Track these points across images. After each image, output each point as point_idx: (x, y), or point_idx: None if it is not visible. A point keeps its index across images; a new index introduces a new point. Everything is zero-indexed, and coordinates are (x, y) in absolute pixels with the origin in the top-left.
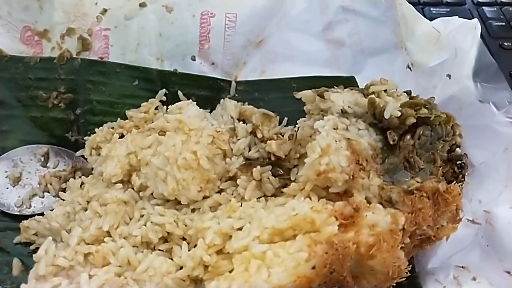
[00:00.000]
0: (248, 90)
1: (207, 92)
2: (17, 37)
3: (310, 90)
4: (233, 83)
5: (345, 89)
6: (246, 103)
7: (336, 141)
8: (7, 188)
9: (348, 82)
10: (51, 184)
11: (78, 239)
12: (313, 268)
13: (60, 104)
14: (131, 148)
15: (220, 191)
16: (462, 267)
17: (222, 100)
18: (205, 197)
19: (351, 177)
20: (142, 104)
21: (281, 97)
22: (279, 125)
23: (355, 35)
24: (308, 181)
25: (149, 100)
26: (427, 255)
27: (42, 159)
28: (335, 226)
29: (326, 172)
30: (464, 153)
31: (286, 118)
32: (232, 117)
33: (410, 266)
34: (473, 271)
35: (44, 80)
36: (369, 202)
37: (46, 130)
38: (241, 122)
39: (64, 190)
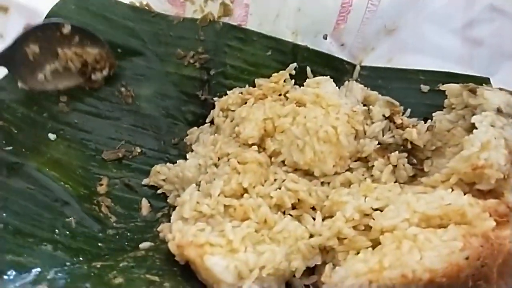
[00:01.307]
0: (371, 76)
1: (331, 72)
2: None
3: (457, 84)
4: (358, 67)
5: (495, 88)
6: (369, 89)
7: (495, 138)
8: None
9: (482, 84)
10: (71, 61)
11: (219, 190)
12: (467, 258)
13: (195, 63)
14: (269, 114)
15: (350, 170)
16: None
17: (346, 82)
18: (335, 173)
19: (505, 176)
20: (273, 74)
21: (405, 88)
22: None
23: (497, 37)
24: (454, 173)
25: (280, 71)
26: None
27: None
28: (491, 221)
29: (483, 167)
30: None
31: (409, 110)
32: (358, 100)
33: None
34: None
35: (184, 39)
36: None
37: (178, 85)
38: (377, 105)
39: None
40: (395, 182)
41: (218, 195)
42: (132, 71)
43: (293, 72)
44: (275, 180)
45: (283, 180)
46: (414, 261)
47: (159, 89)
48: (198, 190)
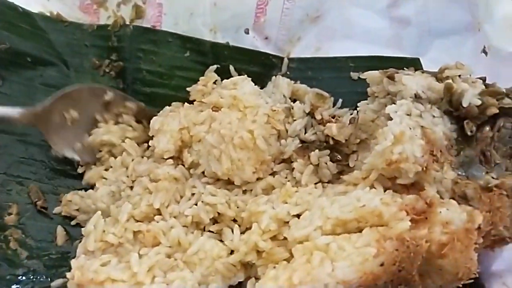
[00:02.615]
0: (300, 68)
1: (258, 68)
2: (76, 4)
3: (377, 71)
4: (285, 60)
5: (416, 72)
6: (298, 82)
7: (410, 128)
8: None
9: (413, 65)
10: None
11: (128, 215)
12: (381, 265)
13: (111, 72)
14: (184, 123)
15: (273, 174)
16: None
17: (273, 77)
18: (258, 179)
19: (424, 168)
20: (201, 78)
21: (336, 77)
22: (333, 107)
23: (423, 14)
24: (374, 169)
25: (207, 74)
26: (490, 254)
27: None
28: (407, 221)
29: (398, 162)
30: None
31: (340, 100)
32: (284, 96)
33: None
34: None
35: (98, 48)
36: (440, 197)
37: None
38: (298, 102)
39: None
40: (319, 182)
41: (128, 220)
42: (43, 82)
43: (214, 74)
44: (193, 195)
45: (202, 194)
46: (326, 274)
47: None
48: (108, 216)
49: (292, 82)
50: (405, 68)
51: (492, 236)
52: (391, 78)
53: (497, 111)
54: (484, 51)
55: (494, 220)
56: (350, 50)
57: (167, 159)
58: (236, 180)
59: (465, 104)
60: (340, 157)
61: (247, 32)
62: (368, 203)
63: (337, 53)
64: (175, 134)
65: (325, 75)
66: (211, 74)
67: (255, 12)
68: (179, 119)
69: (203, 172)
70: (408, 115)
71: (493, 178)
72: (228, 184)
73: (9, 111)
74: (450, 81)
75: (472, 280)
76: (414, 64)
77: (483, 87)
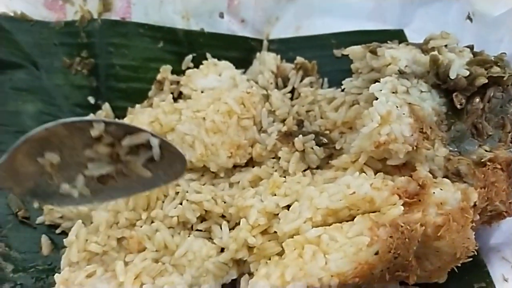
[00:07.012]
0: (282, 49)
1: (237, 53)
2: (40, 2)
3: (359, 46)
4: (265, 42)
5: (400, 44)
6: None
7: (397, 106)
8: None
9: (397, 37)
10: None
11: (107, 223)
12: (376, 253)
13: (83, 70)
14: (154, 115)
15: (260, 164)
16: None
17: (258, 54)
18: (236, 166)
19: (414, 148)
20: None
21: (319, 56)
22: (321, 87)
23: None
24: (363, 152)
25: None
26: (487, 228)
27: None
28: (400, 206)
29: (386, 143)
30: None
31: (326, 79)
32: (273, 73)
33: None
34: None
35: (67, 46)
36: (433, 176)
37: (69, 98)
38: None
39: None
40: (308, 169)
41: (110, 227)
42: (13, 86)
43: (191, 65)
44: (177, 193)
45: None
46: (319, 268)
47: (48, 103)
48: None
49: (279, 56)
50: (388, 42)
51: (489, 212)
52: (373, 52)
53: (486, 81)
54: (469, 18)
55: (490, 196)
56: (331, 26)
57: None
58: (212, 166)
59: (452, 76)
60: (326, 140)
61: (221, 16)
62: (358, 190)
63: (318, 30)
64: (146, 127)
65: (308, 54)
66: (165, 66)
67: None
68: (149, 112)
69: None
70: (393, 92)
71: (486, 151)
72: (214, 178)
73: None
74: (435, 52)
75: (470, 259)
76: (398, 36)
77: (471, 56)
